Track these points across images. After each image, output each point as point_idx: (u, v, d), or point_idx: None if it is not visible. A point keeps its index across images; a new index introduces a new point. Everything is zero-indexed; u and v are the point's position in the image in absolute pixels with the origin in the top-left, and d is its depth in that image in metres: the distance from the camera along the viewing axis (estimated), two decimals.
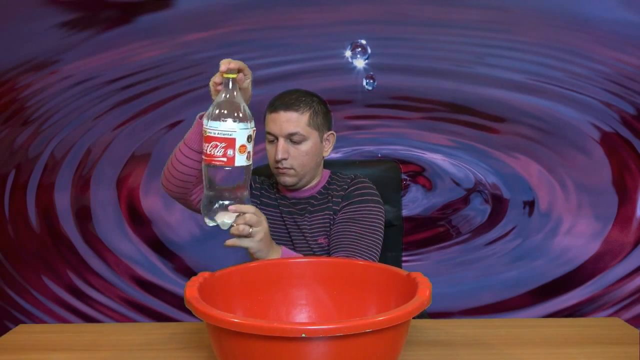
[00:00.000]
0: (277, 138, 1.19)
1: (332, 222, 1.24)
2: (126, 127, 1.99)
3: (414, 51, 1.93)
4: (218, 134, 0.90)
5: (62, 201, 2.02)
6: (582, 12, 1.88)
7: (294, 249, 1.25)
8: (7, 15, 1.95)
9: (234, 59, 0.96)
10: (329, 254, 1.27)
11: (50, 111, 1.99)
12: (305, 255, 1.22)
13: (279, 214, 1.28)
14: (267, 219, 1.21)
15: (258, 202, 1.29)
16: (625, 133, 1.93)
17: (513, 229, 1.99)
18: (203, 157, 0.94)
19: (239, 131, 0.91)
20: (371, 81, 1.94)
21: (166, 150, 1.98)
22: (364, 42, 1.93)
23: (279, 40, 1.92)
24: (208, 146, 0.92)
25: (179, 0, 1.92)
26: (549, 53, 1.91)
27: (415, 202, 1.99)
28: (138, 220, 2.02)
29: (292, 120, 1.18)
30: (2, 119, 2.00)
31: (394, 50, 1.93)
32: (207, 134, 0.92)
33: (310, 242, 1.25)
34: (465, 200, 1.99)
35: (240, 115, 0.92)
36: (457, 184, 1.99)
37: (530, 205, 1.98)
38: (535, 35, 1.90)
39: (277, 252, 1.08)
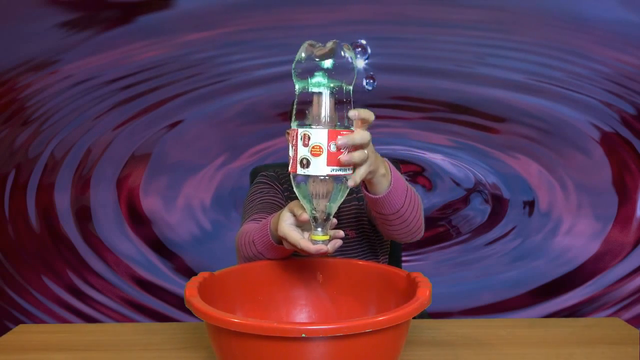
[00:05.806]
0: None
1: (361, 211, 1.24)
2: (126, 127, 1.99)
3: (414, 51, 1.93)
4: None
5: (62, 201, 2.02)
6: (582, 12, 1.88)
7: None
8: (7, 15, 1.95)
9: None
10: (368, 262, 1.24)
11: (50, 111, 1.99)
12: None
13: None
14: None
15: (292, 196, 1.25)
16: (625, 133, 1.93)
17: (513, 229, 1.99)
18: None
19: None
20: (371, 81, 1.94)
21: (166, 150, 2.01)
22: (364, 42, 1.93)
23: (279, 40, 1.92)
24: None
25: (179, 0, 1.92)
26: (549, 53, 1.91)
27: None
28: (138, 220, 2.02)
29: None
30: (2, 119, 2.00)
31: (394, 50, 1.93)
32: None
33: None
34: (465, 200, 1.99)
35: None
36: (457, 184, 1.98)
37: (530, 205, 1.98)
38: (535, 35, 1.90)
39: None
